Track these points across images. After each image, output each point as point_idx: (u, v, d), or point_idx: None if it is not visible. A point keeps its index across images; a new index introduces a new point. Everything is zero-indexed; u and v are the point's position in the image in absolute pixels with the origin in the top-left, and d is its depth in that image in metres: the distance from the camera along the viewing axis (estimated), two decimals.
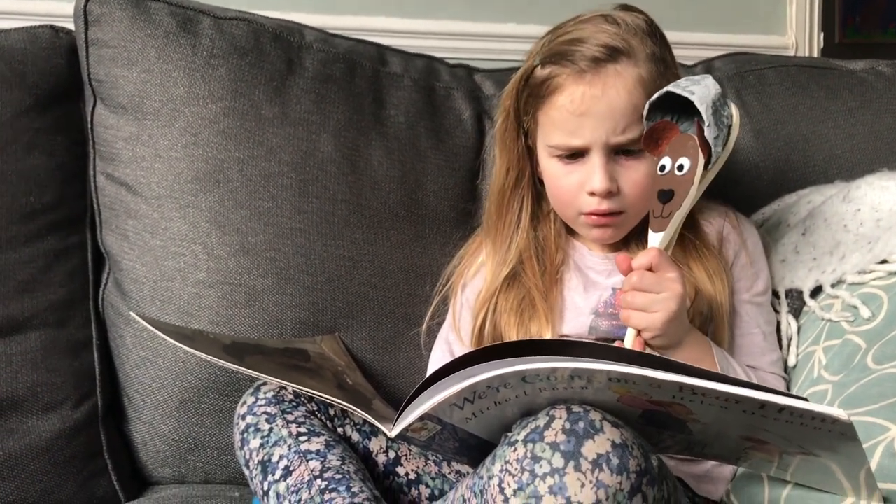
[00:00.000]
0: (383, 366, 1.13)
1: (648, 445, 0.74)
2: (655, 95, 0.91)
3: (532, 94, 1.00)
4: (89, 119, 1.15)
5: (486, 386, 0.68)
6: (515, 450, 0.69)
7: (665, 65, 0.98)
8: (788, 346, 1.05)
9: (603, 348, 0.70)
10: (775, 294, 1.09)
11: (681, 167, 0.88)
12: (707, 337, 0.96)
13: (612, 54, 0.94)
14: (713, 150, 0.88)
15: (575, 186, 0.98)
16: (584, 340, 0.80)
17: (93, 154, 1.15)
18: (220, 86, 1.11)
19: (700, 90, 0.88)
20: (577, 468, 0.67)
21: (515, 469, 0.68)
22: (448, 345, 1.10)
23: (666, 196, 0.89)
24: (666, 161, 0.89)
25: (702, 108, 0.87)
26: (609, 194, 0.96)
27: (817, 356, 0.99)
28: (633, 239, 1.05)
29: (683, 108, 0.90)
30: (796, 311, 1.07)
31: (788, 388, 1.04)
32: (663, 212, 0.89)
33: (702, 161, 0.87)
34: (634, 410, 0.71)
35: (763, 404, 0.62)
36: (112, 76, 1.12)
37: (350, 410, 0.81)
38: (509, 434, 0.72)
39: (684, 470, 0.96)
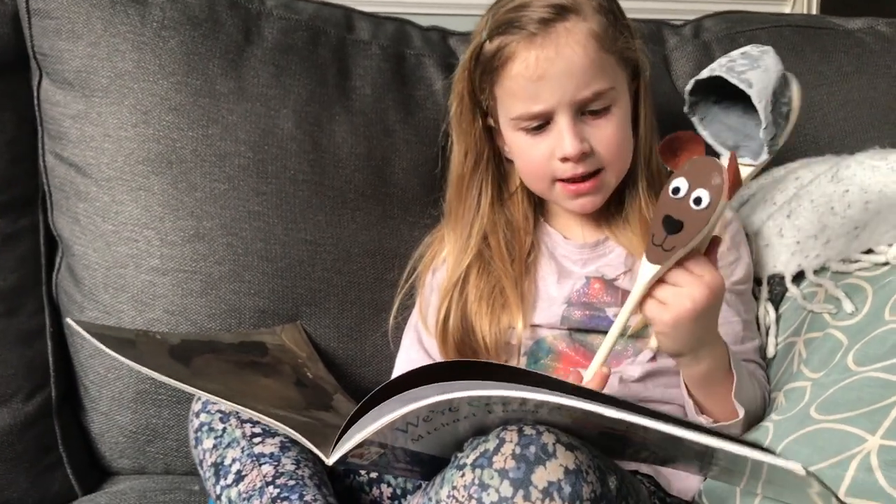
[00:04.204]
0: (348, 354, 1.09)
1: (609, 464, 0.70)
2: (703, 74, 0.80)
3: (485, 70, 0.95)
4: (35, 94, 1.08)
5: (430, 410, 0.64)
6: (463, 475, 0.66)
7: (614, 15, 0.95)
8: (767, 334, 1.01)
9: (552, 381, 0.66)
10: (757, 281, 1.04)
11: (698, 200, 0.74)
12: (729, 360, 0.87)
13: (560, 12, 0.91)
14: (763, 154, 0.78)
15: (545, 156, 0.94)
16: (537, 371, 0.75)
17: (41, 132, 1.09)
18: (172, 59, 1.05)
19: (759, 78, 0.76)
20: (527, 497, 0.63)
21: (463, 496, 0.65)
22: (417, 333, 1.05)
23: (672, 227, 0.75)
24: (681, 183, 0.75)
25: (760, 105, 0.75)
26: (583, 156, 0.92)
27: (798, 349, 0.95)
28: (614, 209, 1.00)
29: (733, 94, 0.79)
30: (777, 298, 1.02)
31: (767, 376, 1.00)
32: (665, 243, 0.75)
33: (724, 203, 0.74)
34: (592, 431, 0.67)
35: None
36: (57, 50, 1.05)
37: (290, 435, 0.76)
38: (459, 455, 0.68)
39: (657, 468, 0.92)
